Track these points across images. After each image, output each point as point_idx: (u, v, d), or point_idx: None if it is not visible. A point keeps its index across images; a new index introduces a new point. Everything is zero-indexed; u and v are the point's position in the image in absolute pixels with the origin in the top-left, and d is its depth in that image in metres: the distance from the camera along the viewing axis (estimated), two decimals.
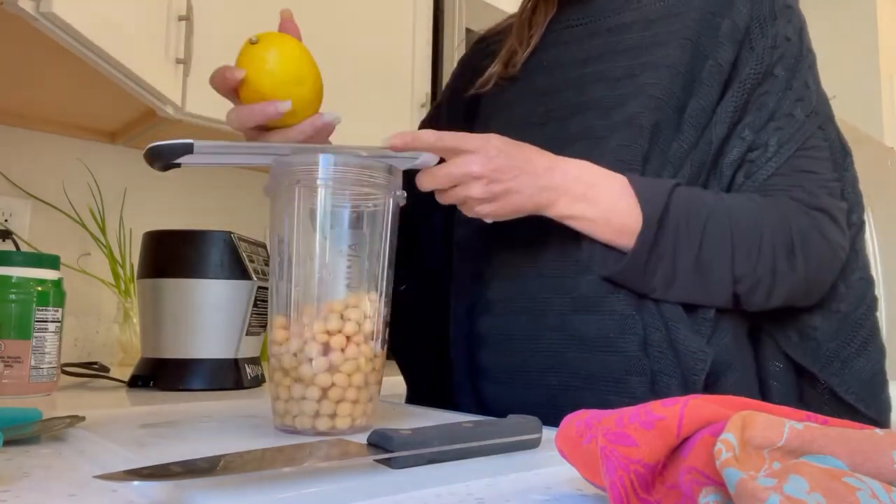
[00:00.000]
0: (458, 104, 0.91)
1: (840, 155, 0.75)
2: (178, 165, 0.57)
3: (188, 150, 0.55)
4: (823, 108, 0.75)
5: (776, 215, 0.67)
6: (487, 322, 0.75)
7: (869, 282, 0.75)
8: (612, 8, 0.80)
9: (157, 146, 0.56)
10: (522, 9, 0.88)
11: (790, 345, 0.72)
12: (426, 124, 0.99)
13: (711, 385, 0.66)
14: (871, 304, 0.74)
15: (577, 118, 0.75)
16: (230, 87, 0.64)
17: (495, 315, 0.74)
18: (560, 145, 0.73)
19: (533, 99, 0.80)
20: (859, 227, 0.75)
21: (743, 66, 0.72)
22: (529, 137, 0.75)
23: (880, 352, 0.72)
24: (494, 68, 0.85)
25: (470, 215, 0.66)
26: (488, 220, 0.66)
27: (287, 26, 0.68)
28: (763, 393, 0.71)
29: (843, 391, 0.70)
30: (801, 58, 0.74)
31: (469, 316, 0.77)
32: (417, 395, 0.89)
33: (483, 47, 0.95)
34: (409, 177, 0.64)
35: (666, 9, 0.76)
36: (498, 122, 0.82)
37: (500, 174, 0.63)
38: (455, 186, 0.64)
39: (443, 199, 0.66)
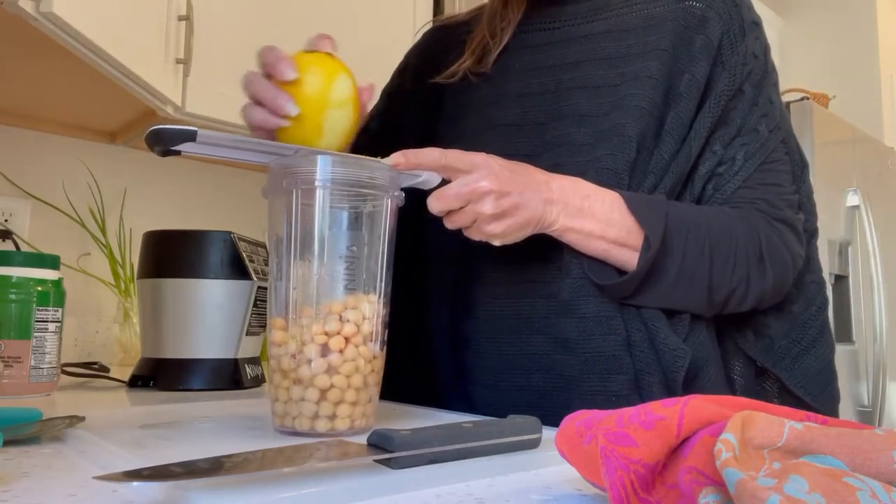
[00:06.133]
0: (422, 94, 0.89)
1: (798, 167, 0.81)
2: (179, 153, 0.57)
3: (191, 137, 0.55)
4: (784, 124, 0.79)
5: (747, 227, 0.71)
6: (470, 326, 0.75)
7: (820, 285, 0.81)
8: (584, 14, 0.81)
9: (161, 129, 0.55)
10: (492, 1, 0.88)
11: (746, 342, 0.78)
12: (383, 115, 0.95)
13: (691, 381, 0.69)
14: (821, 305, 0.80)
15: (555, 124, 0.75)
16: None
17: (478, 319, 0.74)
18: (539, 149, 0.75)
19: (507, 101, 0.80)
20: (812, 234, 0.81)
21: (716, 81, 0.74)
22: (507, 139, 0.77)
23: (828, 348, 0.79)
24: (466, 62, 0.84)
25: (477, 238, 0.65)
26: (496, 243, 0.65)
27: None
28: (729, 387, 0.76)
29: (793, 385, 0.77)
30: (765, 74, 0.77)
31: (451, 320, 0.77)
32: (393, 389, 0.85)
33: (445, 36, 0.93)
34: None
35: (640, 20, 0.77)
36: (471, 120, 0.82)
37: (508, 188, 0.62)
38: (464, 207, 0.62)
39: (452, 222, 0.64)
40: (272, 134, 0.65)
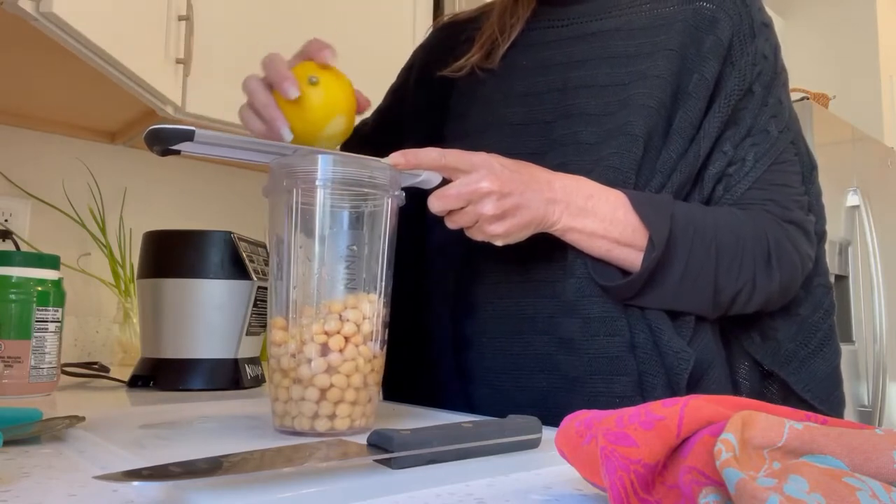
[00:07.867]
0: (426, 91, 0.89)
1: (808, 169, 0.80)
2: (178, 152, 0.57)
3: (189, 136, 0.55)
4: (794, 125, 0.79)
5: (755, 228, 0.71)
6: (473, 326, 0.75)
7: (828, 288, 0.80)
8: (594, 13, 0.80)
9: (159, 128, 0.55)
10: None
11: (753, 345, 0.77)
12: (383, 111, 0.97)
13: (694, 384, 0.69)
14: (829, 308, 0.79)
15: (562, 122, 0.75)
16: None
17: (481, 319, 0.74)
18: (545, 148, 0.74)
19: (514, 99, 0.80)
20: (821, 237, 0.81)
21: (726, 81, 0.74)
22: (513, 137, 0.76)
23: (835, 353, 0.78)
24: (474, 56, 0.84)
25: (479, 238, 0.65)
26: (498, 243, 0.65)
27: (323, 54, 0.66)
28: (735, 390, 0.76)
29: (800, 389, 0.76)
30: (775, 75, 0.77)
31: (452, 320, 0.77)
32: (393, 389, 0.85)
33: (452, 33, 0.93)
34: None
35: (649, 19, 0.77)
36: (476, 117, 0.81)
37: (509, 188, 0.62)
38: (465, 207, 0.62)
39: (454, 222, 0.64)
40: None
